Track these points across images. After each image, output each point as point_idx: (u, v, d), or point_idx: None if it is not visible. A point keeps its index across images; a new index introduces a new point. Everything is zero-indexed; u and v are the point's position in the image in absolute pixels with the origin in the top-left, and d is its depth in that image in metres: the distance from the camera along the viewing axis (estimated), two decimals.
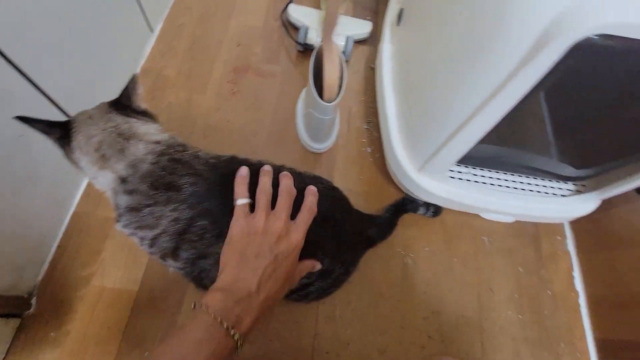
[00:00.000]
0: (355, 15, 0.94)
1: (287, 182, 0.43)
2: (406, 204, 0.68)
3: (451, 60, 0.45)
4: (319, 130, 0.69)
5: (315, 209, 0.43)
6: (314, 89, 0.59)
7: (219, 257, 0.39)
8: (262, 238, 0.39)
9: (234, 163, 0.44)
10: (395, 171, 0.64)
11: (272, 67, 0.83)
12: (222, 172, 0.43)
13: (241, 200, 0.40)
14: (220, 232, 0.40)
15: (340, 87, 0.60)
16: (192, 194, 0.40)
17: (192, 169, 0.41)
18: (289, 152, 0.74)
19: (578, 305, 0.67)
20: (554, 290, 0.68)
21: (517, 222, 0.72)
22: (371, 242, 0.61)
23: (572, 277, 0.70)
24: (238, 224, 0.39)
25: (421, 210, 0.68)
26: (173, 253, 0.40)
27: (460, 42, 0.43)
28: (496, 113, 0.40)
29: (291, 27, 0.88)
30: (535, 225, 0.73)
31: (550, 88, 0.40)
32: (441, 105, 0.48)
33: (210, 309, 0.34)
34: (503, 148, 0.56)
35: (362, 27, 0.87)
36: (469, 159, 0.58)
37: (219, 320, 0.34)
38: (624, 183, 0.55)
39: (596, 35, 0.31)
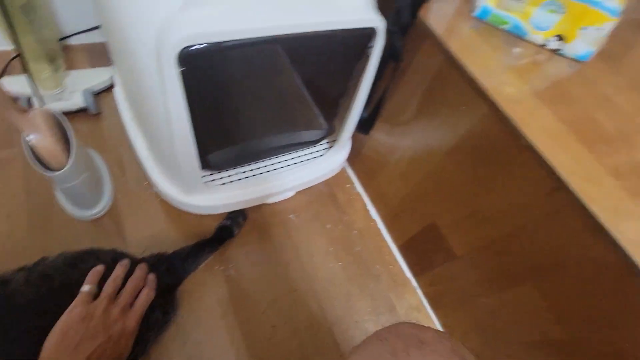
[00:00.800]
0: (93, 65, 0.89)
1: (138, 274, 0.52)
2: (222, 235, 0.69)
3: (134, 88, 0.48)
4: (82, 197, 0.64)
5: (152, 297, 0.51)
6: (34, 163, 0.54)
7: None
8: (98, 321, 0.44)
9: None
10: (172, 201, 0.64)
11: (6, 152, 0.72)
12: None
13: (85, 287, 0.46)
14: None
15: (69, 149, 0.56)
16: None
17: None
18: (62, 231, 0.66)
19: (378, 230, 0.82)
20: (358, 228, 0.81)
21: (311, 188, 0.82)
22: (173, 284, 0.60)
23: (367, 211, 0.84)
24: (76, 310, 0.43)
25: (235, 229, 0.70)
26: None
27: (130, 76, 0.45)
28: (183, 126, 0.44)
29: (12, 101, 0.77)
30: (326, 183, 0.85)
31: (219, 85, 0.46)
32: (158, 130, 0.51)
33: None
34: (249, 142, 0.62)
35: (100, 76, 0.83)
36: (225, 163, 0.63)
37: None
38: (347, 125, 0.68)
39: (189, 47, 0.36)
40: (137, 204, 0.72)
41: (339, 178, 0.87)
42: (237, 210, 0.71)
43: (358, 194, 0.86)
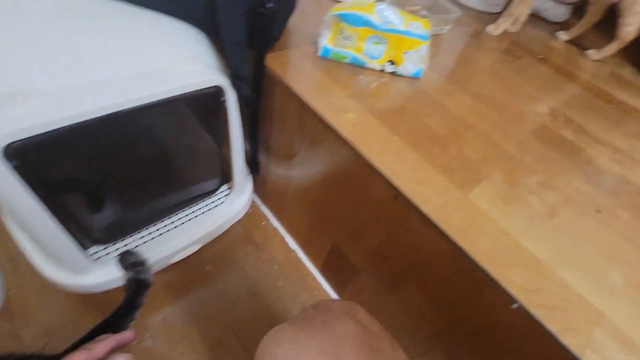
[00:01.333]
0: None
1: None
2: (134, 296, 0.59)
3: None
4: None
5: None
6: None
7: None
8: None
9: None
10: (67, 287, 0.62)
11: None
12: None
13: None
14: None
15: None
16: None
17: None
18: None
19: (299, 259, 0.84)
20: (279, 262, 0.83)
21: (227, 233, 0.83)
22: None
23: (286, 243, 0.87)
24: None
25: (146, 275, 0.65)
26: None
27: None
28: (39, 216, 0.44)
29: None
30: (242, 225, 0.86)
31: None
32: (20, 224, 0.50)
33: None
34: (136, 209, 0.63)
35: None
36: (114, 236, 0.62)
37: None
38: (235, 170, 0.71)
39: (13, 142, 0.38)
40: (34, 297, 0.68)
41: (254, 217, 0.89)
42: (124, 253, 0.54)
43: (275, 229, 0.88)
